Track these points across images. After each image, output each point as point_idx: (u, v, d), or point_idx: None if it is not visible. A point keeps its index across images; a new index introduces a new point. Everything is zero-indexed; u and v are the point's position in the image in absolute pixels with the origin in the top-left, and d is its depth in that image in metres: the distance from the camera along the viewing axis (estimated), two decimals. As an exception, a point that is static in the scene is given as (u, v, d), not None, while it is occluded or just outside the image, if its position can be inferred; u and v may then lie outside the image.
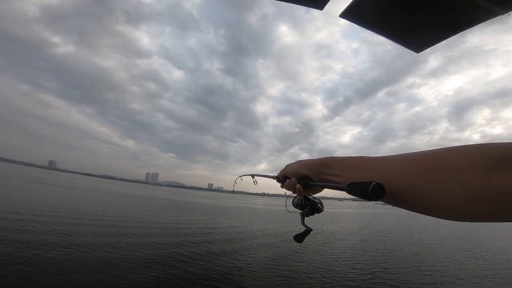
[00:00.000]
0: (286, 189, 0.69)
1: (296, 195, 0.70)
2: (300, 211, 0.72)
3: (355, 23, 1.30)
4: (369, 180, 0.43)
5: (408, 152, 0.45)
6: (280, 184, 0.74)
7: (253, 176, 1.00)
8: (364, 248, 9.69)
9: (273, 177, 0.80)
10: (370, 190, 0.42)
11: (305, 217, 0.72)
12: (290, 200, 0.77)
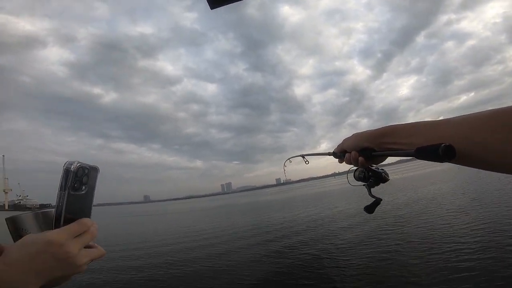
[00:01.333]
0: (347, 163, 0.69)
1: (356, 168, 0.71)
2: (364, 183, 0.72)
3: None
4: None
5: (475, 112, 0.44)
6: (338, 159, 0.74)
7: (303, 156, 0.97)
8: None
9: (328, 154, 0.79)
10: (441, 151, 0.42)
11: (371, 188, 0.71)
12: (351, 174, 0.76)
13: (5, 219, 0.49)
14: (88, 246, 0.46)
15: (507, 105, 0.39)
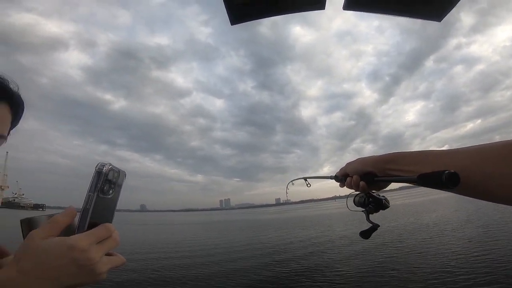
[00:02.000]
0: (348, 187, 0.69)
1: (357, 193, 0.71)
2: (363, 209, 0.71)
3: (361, 11, 1.17)
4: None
5: (482, 143, 0.45)
6: (339, 183, 0.74)
7: (305, 179, 0.98)
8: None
9: (330, 177, 0.79)
10: (444, 178, 0.41)
11: (370, 214, 0.71)
12: (351, 199, 0.76)
13: (20, 220, 0.47)
14: (107, 254, 0.43)
15: None
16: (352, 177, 0.65)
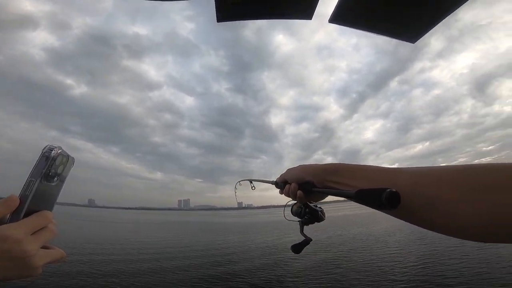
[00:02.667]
0: (285, 195, 0.65)
1: (295, 202, 0.68)
2: (299, 220, 0.68)
3: (345, 25, 1.27)
4: None
5: (427, 166, 0.42)
6: (279, 190, 0.69)
7: (251, 181, 0.97)
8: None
9: (272, 183, 0.74)
10: (384, 197, 0.37)
11: (304, 226, 0.68)
12: (289, 208, 0.73)
13: None
14: (44, 247, 0.38)
15: (454, 157, 0.37)
16: (290, 184, 0.62)
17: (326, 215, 0.69)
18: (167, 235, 17.67)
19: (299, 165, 0.62)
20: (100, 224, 26.50)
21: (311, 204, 0.67)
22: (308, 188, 0.57)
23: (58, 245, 0.41)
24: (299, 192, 0.60)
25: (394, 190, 0.38)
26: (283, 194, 0.67)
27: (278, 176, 0.70)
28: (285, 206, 0.74)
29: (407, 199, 0.39)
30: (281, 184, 0.67)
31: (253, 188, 0.97)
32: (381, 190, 0.38)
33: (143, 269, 7.50)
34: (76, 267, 7.45)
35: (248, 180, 0.98)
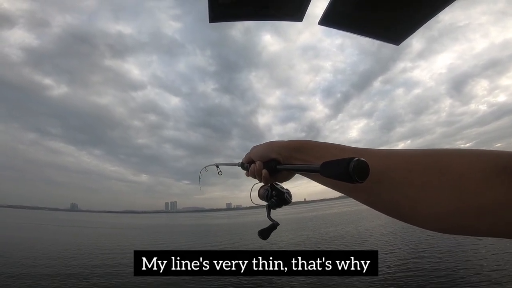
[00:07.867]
0: (251, 176, 0.60)
1: (263, 184, 0.62)
2: (266, 203, 0.63)
3: (334, 28, 1.35)
4: None
5: (398, 149, 0.43)
6: (245, 172, 0.63)
7: (217, 166, 0.92)
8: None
9: (237, 164, 0.69)
10: (352, 166, 0.34)
11: (271, 210, 0.62)
12: (255, 190, 0.68)
13: None
14: None
15: None
16: (256, 163, 0.57)
17: (292, 199, 0.64)
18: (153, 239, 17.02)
19: (265, 142, 0.57)
20: (77, 230, 25.10)
21: (277, 186, 0.63)
22: (272, 165, 0.53)
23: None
24: (264, 171, 0.55)
25: (362, 159, 0.35)
26: (249, 176, 0.61)
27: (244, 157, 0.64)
28: (251, 188, 0.69)
29: (376, 178, 0.37)
30: (247, 165, 0.62)
31: (220, 173, 0.91)
32: (348, 159, 0.35)
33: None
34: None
35: (214, 165, 0.94)
